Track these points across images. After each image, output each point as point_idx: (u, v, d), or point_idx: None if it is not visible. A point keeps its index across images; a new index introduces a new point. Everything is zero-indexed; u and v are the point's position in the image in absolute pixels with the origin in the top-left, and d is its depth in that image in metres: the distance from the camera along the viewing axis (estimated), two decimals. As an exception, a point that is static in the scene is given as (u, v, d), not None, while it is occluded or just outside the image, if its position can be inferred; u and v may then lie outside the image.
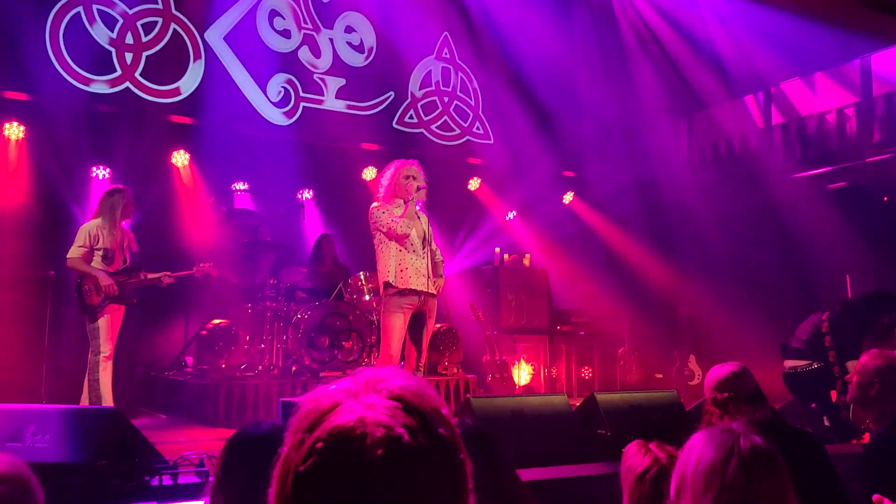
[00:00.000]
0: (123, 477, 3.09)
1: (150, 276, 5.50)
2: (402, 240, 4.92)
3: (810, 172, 8.51)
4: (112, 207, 5.35)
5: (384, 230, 4.95)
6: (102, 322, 5.24)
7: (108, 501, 2.98)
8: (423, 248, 5.04)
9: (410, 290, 4.89)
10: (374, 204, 5.11)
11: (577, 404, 4.73)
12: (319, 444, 0.76)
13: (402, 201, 5.04)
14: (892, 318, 5.20)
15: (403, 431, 0.76)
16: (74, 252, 5.26)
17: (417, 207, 5.14)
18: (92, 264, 5.29)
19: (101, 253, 5.30)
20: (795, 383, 5.57)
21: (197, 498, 2.98)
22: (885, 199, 7.95)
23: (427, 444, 0.77)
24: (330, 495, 0.74)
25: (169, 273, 5.59)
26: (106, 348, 5.24)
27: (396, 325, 4.87)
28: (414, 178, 5.05)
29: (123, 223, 5.53)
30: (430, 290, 4.98)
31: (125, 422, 3.25)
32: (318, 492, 0.75)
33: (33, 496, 1.68)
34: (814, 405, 5.48)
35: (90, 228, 5.32)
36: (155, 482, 3.12)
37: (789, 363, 5.60)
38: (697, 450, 1.48)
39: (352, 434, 0.75)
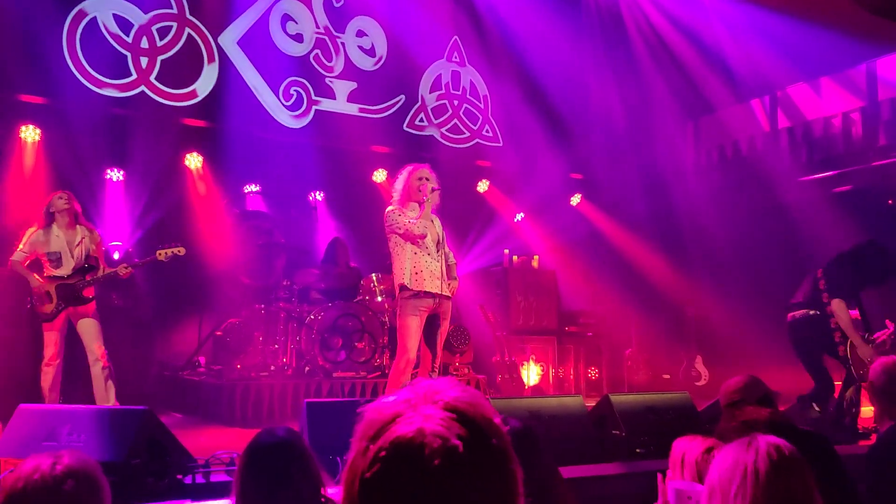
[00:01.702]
0: (157, 475, 3.17)
1: (107, 269, 5.50)
2: (417, 241, 4.98)
3: (816, 176, 8.59)
4: (49, 212, 5.42)
5: (400, 232, 5.00)
6: (46, 329, 5.34)
7: (143, 499, 3.06)
8: (438, 251, 5.10)
9: (426, 292, 4.96)
10: (390, 207, 5.16)
11: (588, 405, 4.82)
12: (383, 453, 0.83)
13: (416, 204, 5.10)
14: (885, 264, 5.44)
15: (459, 443, 0.82)
16: (17, 255, 5.37)
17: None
18: (44, 268, 5.37)
19: (46, 257, 5.37)
20: (796, 332, 5.69)
21: (229, 496, 3.06)
22: (890, 202, 8.04)
23: (480, 454, 0.83)
24: (393, 500, 0.82)
25: (126, 265, 5.56)
26: (47, 353, 5.32)
27: (412, 327, 4.94)
28: (427, 179, 5.10)
29: (81, 219, 5.57)
30: (444, 293, 5.05)
31: (157, 421, 3.34)
32: (382, 497, 0.82)
33: (100, 493, 1.75)
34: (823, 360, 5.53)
35: (32, 234, 5.40)
36: (188, 480, 3.21)
37: (790, 315, 5.74)
38: (720, 460, 1.53)
39: (412, 444, 0.82)
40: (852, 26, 8.06)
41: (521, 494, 0.88)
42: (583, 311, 8.90)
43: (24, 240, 5.38)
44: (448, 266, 5.20)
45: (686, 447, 2.27)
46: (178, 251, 5.55)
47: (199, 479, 3.20)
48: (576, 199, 9.85)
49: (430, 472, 0.81)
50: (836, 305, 5.37)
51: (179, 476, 3.21)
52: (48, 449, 3.14)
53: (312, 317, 7.01)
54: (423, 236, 4.99)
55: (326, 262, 7.75)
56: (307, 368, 6.91)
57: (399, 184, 5.19)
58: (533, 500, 2.09)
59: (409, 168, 5.21)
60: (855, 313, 5.49)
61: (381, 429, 0.86)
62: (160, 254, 5.52)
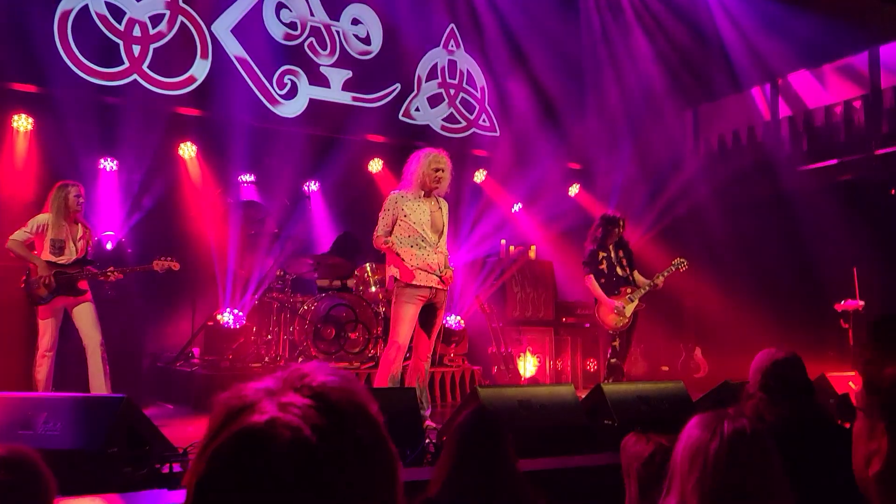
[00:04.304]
0: (134, 464, 3.12)
1: (95, 271, 5.50)
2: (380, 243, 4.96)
3: (817, 165, 8.49)
4: (57, 202, 5.38)
5: (379, 226, 4.94)
6: (41, 317, 5.30)
7: (120, 488, 3.00)
8: (438, 241, 4.98)
9: (421, 285, 4.87)
10: (393, 193, 5.02)
11: (583, 396, 4.75)
12: (224, 449, 0.72)
13: (422, 192, 4.99)
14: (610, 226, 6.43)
15: (311, 434, 0.72)
16: (17, 235, 5.30)
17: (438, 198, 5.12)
18: (41, 254, 5.33)
19: (49, 243, 5.35)
20: None
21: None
22: (893, 191, 7.93)
23: (339, 446, 0.73)
24: (232, 500, 0.71)
25: (114, 269, 5.57)
26: (42, 343, 5.28)
27: (406, 315, 4.83)
28: (443, 170, 4.94)
29: (84, 217, 5.57)
30: (439, 286, 4.95)
31: (136, 410, 3.28)
32: (220, 497, 0.71)
33: (40, 483, 1.64)
34: None
35: (39, 220, 5.37)
36: (165, 469, 3.15)
37: None
38: (687, 432, 1.50)
39: (258, 437, 0.71)
40: (855, 12, 7.95)
41: (398, 491, 0.78)
42: (580, 302, 8.79)
43: (32, 224, 5.35)
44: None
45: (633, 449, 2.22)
46: (174, 266, 5.60)
47: (177, 468, 3.14)
48: (574, 189, 9.75)
49: (276, 468, 0.70)
50: (587, 281, 6.47)
51: (157, 465, 3.15)
52: (23, 437, 3.09)
53: (305, 307, 6.95)
54: (380, 250, 5.00)
55: (335, 254, 7.69)
56: (300, 359, 6.85)
57: (412, 167, 4.99)
58: (488, 496, 2.03)
59: (424, 152, 5.02)
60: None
61: (228, 421, 0.74)
62: (157, 264, 5.57)
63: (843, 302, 7.10)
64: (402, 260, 4.85)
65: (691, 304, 9.05)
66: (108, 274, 5.49)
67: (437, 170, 4.92)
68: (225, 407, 0.76)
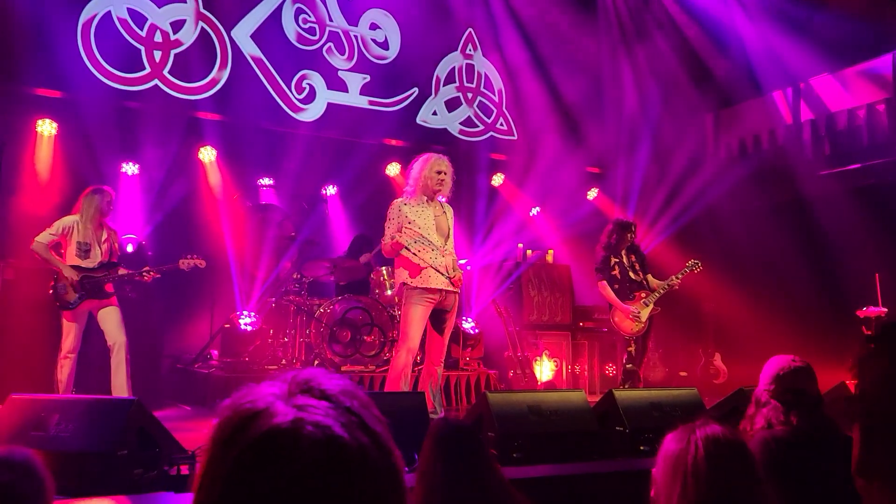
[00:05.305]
0: (144, 466, 3.15)
1: (130, 270, 5.58)
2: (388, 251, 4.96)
3: (839, 169, 8.36)
4: (89, 206, 5.46)
5: (385, 235, 4.96)
6: (66, 319, 5.37)
7: (129, 490, 3.04)
8: (445, 244, 5.01)
9: (429, 288, 4.89)
10: (397, 200, 5.06)
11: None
12: (251, 451, 0.72)
13: (426, 197, 5.02)
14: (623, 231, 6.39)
15: (343, 431, 0.73)
16: (42, 237, 5.36)
17: (443, 199, 5.11)
18: (67, 256, 5.40)
19: (75, 246, 5.42)
20: None
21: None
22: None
23: (364, 443, 0.75)
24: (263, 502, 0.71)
25: (149, 269, 5.66)
26: (65, 344, 5.36)
27: (416, 316, 4.86)
28: (445, 174, 5.00)
29: (108, 221, 5.65)
30: (449, 288, 4.96)
31: (146, 412, 3.32)
32: (252, 501, 0.70)
33: (38, 483, 1.68)
34: None
35: (66, 221, 5.43)
36: (174, 472, 3.18)
37: None
38: (663, 449, 1.52)
39: (287, 437, 0.72)
40: (878, 14, 7.82)
41: (406, 489, 0.80)
42: (597, 307, 8.74)
43: (57, 226, 5.42)
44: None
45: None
46: (200, 263, 5.69)
47: (185, 470, 3.18)
48: (592, 193, 9.71)
49: (310, 467, 0.71)
50: (600, 287, 6.44)
51: (167, 467, 3.19)
52: (35, 439, 3.14)
53: (322, 310, 6.99)
54: (391, 255, 4.97)
55: (350, 257, 7.73)
56: (316, 362, 6.89)
57: (414, 172, 5.06)
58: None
59: (425, 157, 5.07)
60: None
61: (242, 427, 0.74)
62: (182, 262, 5.65)
63: (865, 308, 6.97)
64: (412, 255, 4.86)
65: (710, 309, 8.96)
66: (144, 274, 5.58)
67: (438, 171, 4.97)
68: (236, 413, 0.76)
